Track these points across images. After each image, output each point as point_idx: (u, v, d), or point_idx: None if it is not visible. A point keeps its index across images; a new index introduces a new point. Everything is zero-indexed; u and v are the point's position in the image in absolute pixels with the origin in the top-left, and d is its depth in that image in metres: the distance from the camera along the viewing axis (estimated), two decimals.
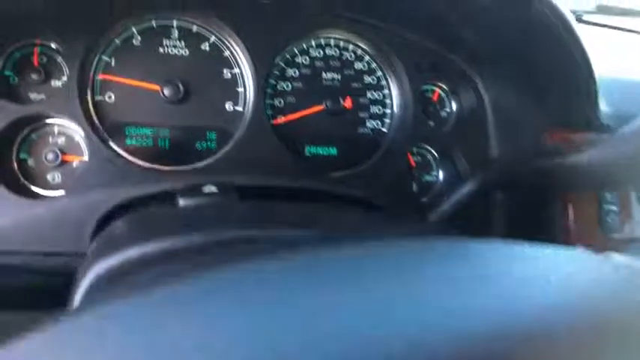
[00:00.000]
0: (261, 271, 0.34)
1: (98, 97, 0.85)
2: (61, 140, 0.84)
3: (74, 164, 0.85)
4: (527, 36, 0.79)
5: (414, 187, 1.00)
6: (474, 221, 0.89)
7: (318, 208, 0.70)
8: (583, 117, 0.79)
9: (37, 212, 0.76)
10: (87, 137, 0.82)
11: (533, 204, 0.86)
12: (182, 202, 0.66)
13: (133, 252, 0.50)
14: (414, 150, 0.99)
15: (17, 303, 0.67)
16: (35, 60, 0.83)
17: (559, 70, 0.79)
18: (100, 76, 0.85)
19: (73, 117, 0.81)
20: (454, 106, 1.01)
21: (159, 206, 0.69)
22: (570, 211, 0.82)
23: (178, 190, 0.69)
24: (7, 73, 0.82)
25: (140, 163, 0.86)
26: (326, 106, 0.94)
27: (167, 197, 0.71)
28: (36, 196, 0.80)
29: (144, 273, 0.44)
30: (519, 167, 0.80)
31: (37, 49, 0.83)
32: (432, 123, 1.00)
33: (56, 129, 0.84)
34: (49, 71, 0.83)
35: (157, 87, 0.86)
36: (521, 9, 0.73)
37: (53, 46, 0.83)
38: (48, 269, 0.75)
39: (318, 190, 0.88)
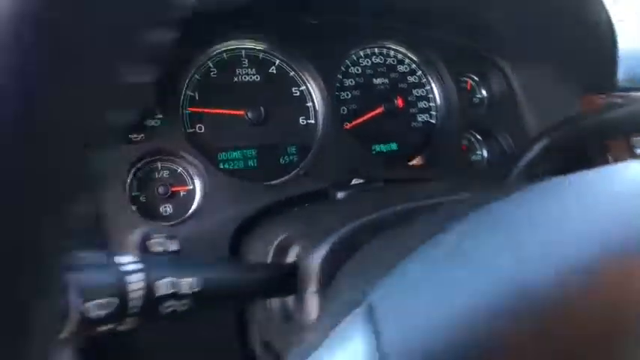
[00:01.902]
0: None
1: (190, 130, 0.91)
2: (166, 174, 0.89)
3: (181, 194, 0.90)
4: (551, 14, 0.94)
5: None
6: None
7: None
8: (609, 82, 0.95)
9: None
10: (187, 168, 0.87)
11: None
12: (339, 195, 0.74)
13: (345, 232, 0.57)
14: (463, 135, 1.12)
15: None
16: None
17: (585, 42, 0.95)
18: (189, 110, 0.92)
19: (171, 152, 0.87)
20: (484, 92, 1.16)
21: (314, 203, 0.76)
22: (610, 157, 0.98)
23: (330, 187, 0.76)
24: None
25: (238, 183, 0.92)
26: (384, 107, 1.05)
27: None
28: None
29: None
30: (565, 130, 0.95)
31: None
32: (470, 110, 1.14)
33: (159, 164, 0.89)
34: (142, 114, 0.88)
35: (241, 112, 0.94)
36: None
37: None
38: None
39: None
